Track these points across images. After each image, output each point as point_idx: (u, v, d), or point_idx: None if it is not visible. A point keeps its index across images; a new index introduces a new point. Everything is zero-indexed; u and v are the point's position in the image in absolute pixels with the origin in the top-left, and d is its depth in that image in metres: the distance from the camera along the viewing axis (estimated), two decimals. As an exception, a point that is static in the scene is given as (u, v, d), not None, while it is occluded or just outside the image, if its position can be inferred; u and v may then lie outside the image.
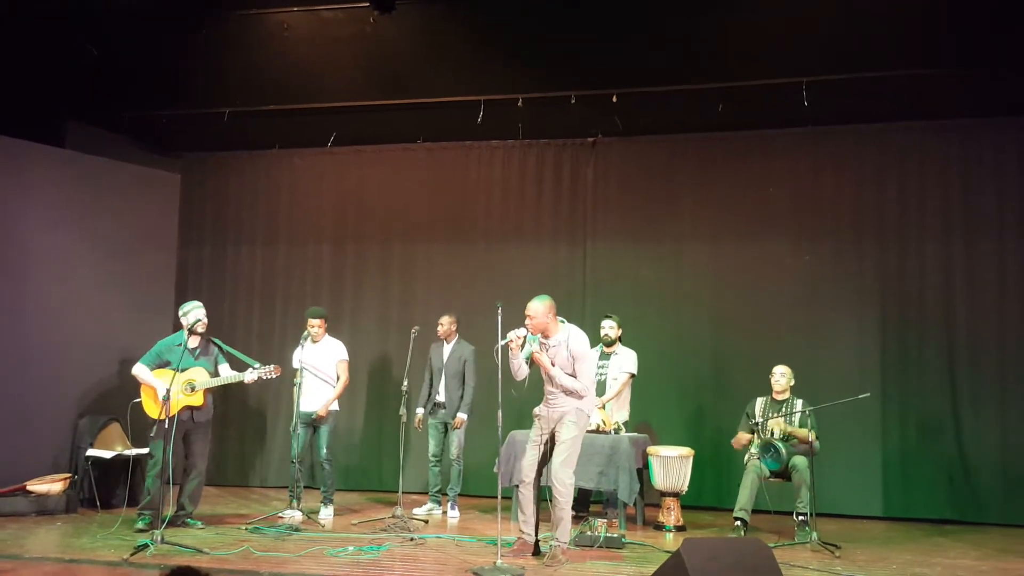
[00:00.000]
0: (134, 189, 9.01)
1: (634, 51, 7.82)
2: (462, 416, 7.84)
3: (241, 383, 7.00)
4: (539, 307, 6.03)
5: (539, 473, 6.12)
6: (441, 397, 7.96)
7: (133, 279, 8.74)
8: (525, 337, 5.98)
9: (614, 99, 8.33)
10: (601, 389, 7.73)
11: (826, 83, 7.82)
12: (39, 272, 8.23)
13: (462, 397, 7.89)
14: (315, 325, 7.73)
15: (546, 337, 6.08)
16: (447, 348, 8.06)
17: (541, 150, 9.59)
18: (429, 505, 7.99)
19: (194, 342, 7.04)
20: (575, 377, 6.00)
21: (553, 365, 6.02)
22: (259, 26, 8.01)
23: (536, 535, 6.17)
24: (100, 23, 7.86)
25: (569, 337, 6.05)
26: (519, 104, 8.53)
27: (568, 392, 6.00)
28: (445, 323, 8.08)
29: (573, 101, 8.40)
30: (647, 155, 9.33)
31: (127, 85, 8.66)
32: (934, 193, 8.57)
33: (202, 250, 10.20)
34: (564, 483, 5.93)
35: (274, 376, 6.99)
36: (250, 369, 6.93)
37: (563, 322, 6.14)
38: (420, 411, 8.07)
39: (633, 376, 7.82)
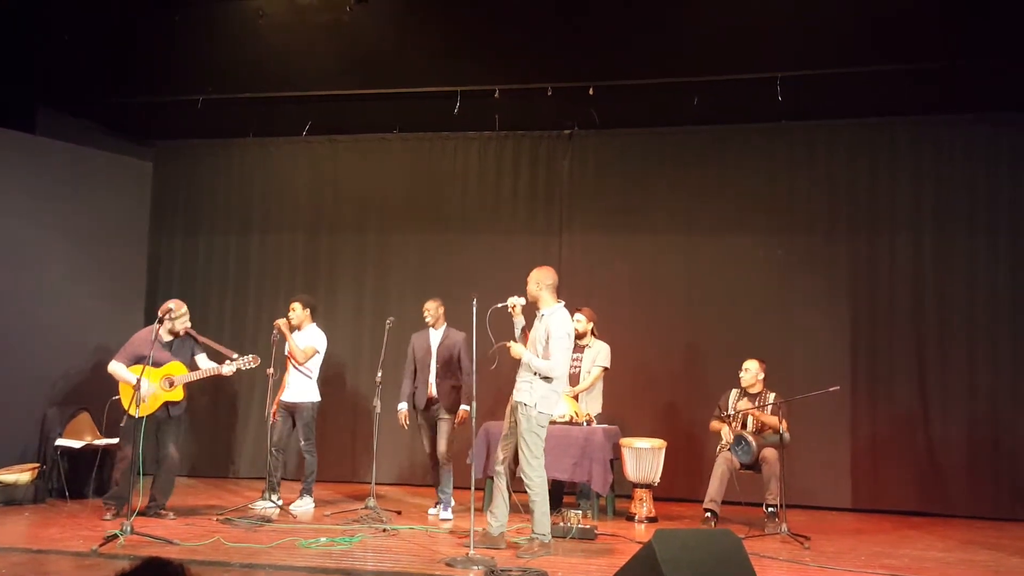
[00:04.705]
0: (105, 177, 8.90)
1: (610, 44, 7.84)
2: (466, 408, 7.19)
3: (219, 375, 6.98)
4: (533, 274, 6.20)
5: (512, 467, 6.16)
6: (433, 391, 7.43)
7: (104, 268, 8.63)
8: (516, 306, 6.10)
9: (590, 92, 8.35)
10: (575, 381, 7.75)
11: (800, 78, 7.90)
12: (7, 261, 8.10)
13: (456, 388, 7.41)
14: (292, 309, 7.69)
15: (537, 308, 6.17)
16: (435, 335, 7.54)
17: (517, 142, 9.59)
18: (441, 507, 7.46)
19: (169, 337, 7.00)
20: (547, 359, 6.01)
21: (526, 347, 6.09)
22: (235, 13, 7.94)
23: (504, 527, 6.18)
24: (72, 7, 7.76)
25: (552, 314, 6.10)
26: (496, 95, 8.53)
27: (532, 371, 5.99)
28: (432, 309, 7.54)
29: (549, 93, 8.41)
30: (623, 148, 9.35)
31: (99, 71, 8.56)
32: (905, 188, 8.66)
33: (174, 239, 10.12)
34: (531, 478, 5.97)
35: (253, 366, 6.98)
36: (228, 361, 6.92)
37: (560, 302, 6.21)
38: (403, 407, 7.53)
39: (606, 370, 7.84)
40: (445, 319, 7.63)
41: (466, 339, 7.35)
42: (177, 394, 6.86)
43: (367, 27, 7.81)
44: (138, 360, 6.89)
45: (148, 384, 6.73)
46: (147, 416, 6.67)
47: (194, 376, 6.93)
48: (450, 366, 7.46)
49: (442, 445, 7.40)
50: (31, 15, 7.71)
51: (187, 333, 7.07)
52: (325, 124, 9.64)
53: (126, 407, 6.88)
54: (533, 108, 8.86)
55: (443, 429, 7.42)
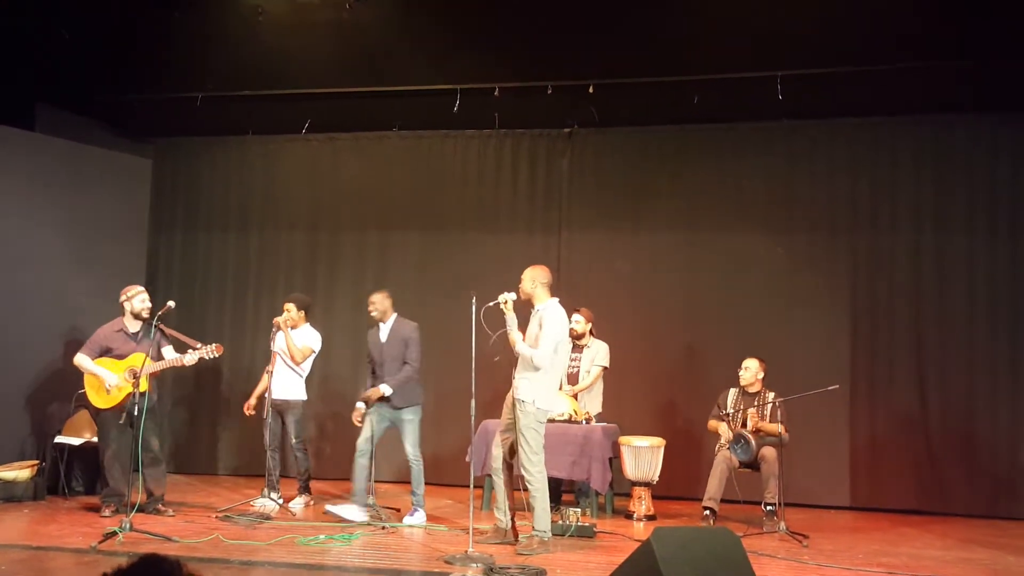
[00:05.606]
0: (105, 174, 8.90)
1: (611, 42, 7.83)
2: (383, 390, 6.88)
3: (181, 364, 6.95)
4: (527, 272, 6.22)
5: (508, 460, 6.17)
6: (388, 390, 6.97)
7: (103, 265, 8.62)
8: (508, 301, 6.09)
9: (590, 90, 8.35)
10: (574, 381, 7.75)
11: (800, 77, 7.90)
12: (7, 257, 8.11)
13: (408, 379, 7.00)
14: (287, 310, 7.69)
15: (532, 306, 6.19)
16: (384, 329, 7.14)
17: (517, 140, 9.58)
18: (355, 506, 6.90)
19: (135, 327, 6.99)
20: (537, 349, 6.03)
21: (523, 340, 6.10)
22: (234, 10, 7.93)
23: (513, 522, 6.21)
24: (72, 4, 7.75)
25: (546, 308, 6.12)
26: (495, 93, 8.53)
27: (527, 365, 6.02)
28: (377, 302, 7.10)
29: (550, 91, 8.42)
30: (623, 146, 9.35)
31: (99, 68, 8.55)
32: (905, 187, 8.66)
33: (173, 236, 10.11)
34: (531, 474, 5.99)
35: (216, 356, 6.86)
36: (190, 350, 6.86)
37: (553, 298, 6.22)
38: (361, 406, 7.07)
39: (605, 369, 7.84)
40: (394, 310, 7.19)
41: (416, 329, 7.11)
42: (141, 386, 6.78)
43: (366, 25, 7.81)
44: (104, 352, 6.92)
45: (113, 376, 6.76)
46: (116, 409, 6.74)
47: (156, 367, 6.84)
48: (401, 360, 7.04)
49: (408, 445, 7.02)
50: (31, 12, 7.70)
51: (151, 325, 6.93)
52: (324, 122, 9.63)
53: (92, 400, 6.96)
54: (533, 106, 8.85)
55: (408, 430, 7.02)
